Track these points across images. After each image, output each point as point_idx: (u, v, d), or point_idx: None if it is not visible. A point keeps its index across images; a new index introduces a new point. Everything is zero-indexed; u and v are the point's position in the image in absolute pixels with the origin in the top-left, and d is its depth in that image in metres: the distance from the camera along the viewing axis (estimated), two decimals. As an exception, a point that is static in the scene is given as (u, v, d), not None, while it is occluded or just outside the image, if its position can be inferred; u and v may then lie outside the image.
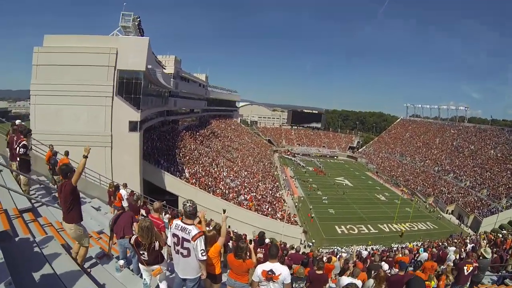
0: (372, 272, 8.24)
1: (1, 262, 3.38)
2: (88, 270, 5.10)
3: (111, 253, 6.48)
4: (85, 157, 4.88)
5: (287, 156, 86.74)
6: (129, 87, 24.37)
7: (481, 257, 8.73)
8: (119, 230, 6.24)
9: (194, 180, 33.86)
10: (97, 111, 23.02)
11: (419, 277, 4.52)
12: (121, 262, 5.36)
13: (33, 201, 7.63)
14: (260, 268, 4.82)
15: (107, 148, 23.55)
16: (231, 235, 10.25)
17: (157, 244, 4.48)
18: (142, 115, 25.90)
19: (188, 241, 4.23)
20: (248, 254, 5.21)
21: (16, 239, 4.73)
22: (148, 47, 24.85)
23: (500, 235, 20.42)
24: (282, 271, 4.72)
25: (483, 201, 45.94)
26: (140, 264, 4.98)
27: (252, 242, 7.67)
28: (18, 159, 8.08)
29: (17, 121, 10.01)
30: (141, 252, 4.58)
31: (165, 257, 5.46)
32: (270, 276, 4.70)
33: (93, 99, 22.71)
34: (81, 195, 7.90)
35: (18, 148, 7.95)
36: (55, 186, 9.73)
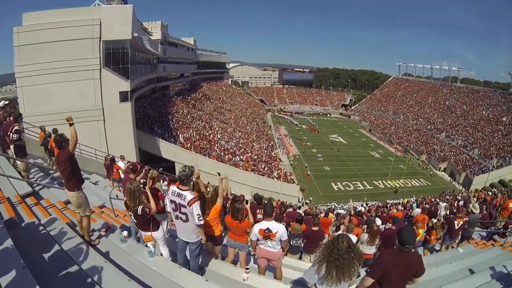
0: (365, 226, 8.61)
1: (11, 248, 3.55)
2: (95, 242, 5.26)
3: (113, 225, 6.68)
4: (71, 124, 4.84)
5: (280, 115, 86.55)
6: (116, 57, 23.76)
7: (470, 213, 9.08)
8: None
9: (189, 144, 33.97)
10: (86, 85, 22.51)
11: (410, 226, 4.76)
12: (125, 233, 5.53)
13: (33, 184, 7.68)
14: (257, 227, 4.97)
15: (100, 122, 23.34)
16: (229, 196, 10.48)
17: (139, 208, 4.61)
18: (132, 85, 25.50)
19: (184, 206, 4.37)
20: (245, 215, 5.44)
21: (23, 224, 4.85)
22: (132, 14, 23.96)
23: (490, 193, 21.01)
24: (278, 228, 4.87)
25: (474, 160, 46.73)
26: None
27: (249, 203, 7.90)
28: (13, 145, 8.03)
29: (1, 103, 9.75)
30: (130, 214, 4.81)
31: (164, 225, 5.66)
32: (267, 234, 4.86)
33: (81, 74, 22.12)
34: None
35: (11, 134, 7.88)
36: (53, 168, 9.79)
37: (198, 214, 4.38)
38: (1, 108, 9.29)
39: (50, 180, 9.16)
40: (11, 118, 8.38)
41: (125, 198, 4.75)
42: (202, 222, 4.46)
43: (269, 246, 5.07)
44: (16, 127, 7.95)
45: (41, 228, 4.75)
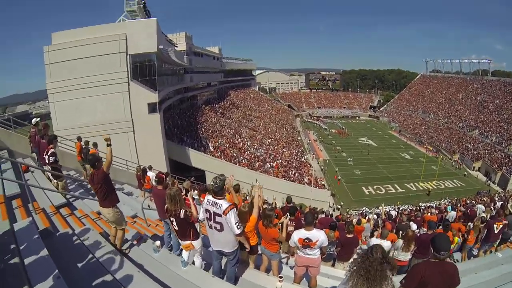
0: (401, 232, 8.28)
1: (47, 257, 3.62)
2: (126, 251, 5.31)
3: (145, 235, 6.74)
4: (109, 145, 5.01)
5: (309, 121, 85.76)
6: (143, 70, 24.54)
7: (508, 214, 8.61)
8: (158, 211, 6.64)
9: (218, 153, 34.24)
10: (115, 99, 23.39)
11: (444, 234, 4.52)
12: (158, 242, 5.51)
13: (67, 196, 7.91)
14: (296, 236, 4.88)
15: (130, 133, 24.04)
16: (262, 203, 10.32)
17: (182, 212, 4.59)
18: (159, 96, 26.08)
19: (219, 215, 4.21)
20: (273, 221, 5.23)
21: (57, 234, 4.98)
22: (156, 27, 24.59)
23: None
24: (319, 236, 4.79)
25: (510, 158, 43.96)
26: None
27: (287, 217, 7.70)
28: (49, 168, 8.20)
29: (33, 120, 9.95)
30: (171, 219, 4.78)
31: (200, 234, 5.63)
32: (307, 243, 4.78)
33: (110, 87, 23.02)
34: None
35: (47, 157, 8.04)
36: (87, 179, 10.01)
37: (236, 222, 4.22)
38: (34, 126, 9.54)
39: (83, 191, 9.39)
40: (45, 141, 8.50)
41: (167, 204, 4.74)
42: (240, 231, 4.29)
43: (308, 254, 4.98)
44: (51, 150, 8.13)
45: (75, 238, 4.84)
